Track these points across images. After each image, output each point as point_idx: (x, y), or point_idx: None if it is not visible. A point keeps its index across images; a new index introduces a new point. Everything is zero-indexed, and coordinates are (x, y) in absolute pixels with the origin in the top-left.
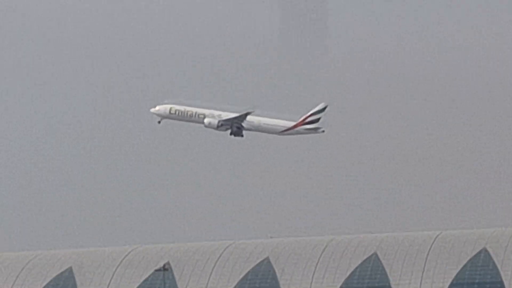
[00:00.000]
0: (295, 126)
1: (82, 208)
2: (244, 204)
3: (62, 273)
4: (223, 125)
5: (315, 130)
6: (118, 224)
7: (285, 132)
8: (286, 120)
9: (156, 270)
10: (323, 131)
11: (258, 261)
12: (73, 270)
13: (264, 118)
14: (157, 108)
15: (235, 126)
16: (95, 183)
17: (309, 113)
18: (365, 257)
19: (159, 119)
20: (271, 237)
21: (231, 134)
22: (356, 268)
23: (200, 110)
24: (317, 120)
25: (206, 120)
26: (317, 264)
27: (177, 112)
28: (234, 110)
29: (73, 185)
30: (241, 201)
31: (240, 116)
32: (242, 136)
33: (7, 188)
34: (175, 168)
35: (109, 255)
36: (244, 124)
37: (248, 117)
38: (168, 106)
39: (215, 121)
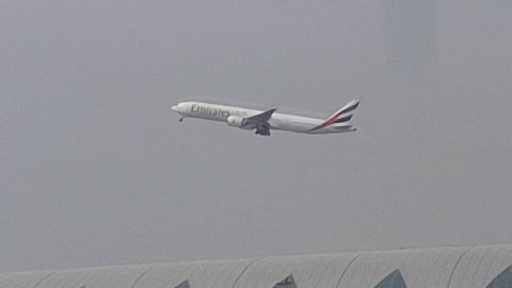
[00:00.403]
0: (325, 124)
1: (191, 219)
2: (360, 213)
3: (178, 286)
4: (248, 123)
5: (346, 128)
6: (236, 235)
7: (314, 131)
8: (316, 118)
9: (277, 284)
10: (355, 129)
11: (387, 273)
12: (189, 284)
13: (292, 116)
14: (179, 105)
15: (261, 125)
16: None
17: (340, 110)
18: (503, 268)
19: (180, 117)
20: (401, 248)
21: (257, 132)
22: (494, 279)
23: (224, 108)
24: (348, 118)
25: (230, 118)
26: (451, 276)
27: (199, 110)
28: (259, 107)
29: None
30: (357, 210)
31: (265, 114)
32: (268, 134)
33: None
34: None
35: (228, 268)
36: (270, 122)
37: (275, 115)
38: (190, 104)
39: (239, 119)
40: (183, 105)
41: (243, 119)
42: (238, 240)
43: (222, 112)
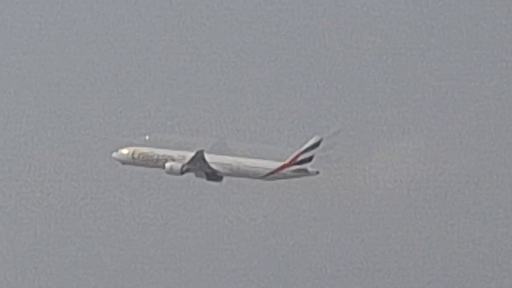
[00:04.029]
0: (282, 167)
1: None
2: None
3: None
4: (189, 170)
5: (305, 172)
6: None
7: (270, 176)
8: (272, 160)
9: None
10: (318, 173)
11: None
12: None
13: (245, 159)
14: (120, 151)
15: (205, 171)
16: None
17: (299, 151)
18: None
19: (119, 163)
20: None
21: (208, 179)
22: None
23: (170, 152)
24: (309, 159)
25: (167, 165)
26: None
27: (140, 156)
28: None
29: None
30: None
31: (194, 158)
32: (220, 180)
33: None
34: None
35: None
36: (219, 168)
37: (225, 159)
38: (131, 149)
39: (178, 166)
40: (124, 151)
41: (183, 166)
42: None
43: (166, 158)
